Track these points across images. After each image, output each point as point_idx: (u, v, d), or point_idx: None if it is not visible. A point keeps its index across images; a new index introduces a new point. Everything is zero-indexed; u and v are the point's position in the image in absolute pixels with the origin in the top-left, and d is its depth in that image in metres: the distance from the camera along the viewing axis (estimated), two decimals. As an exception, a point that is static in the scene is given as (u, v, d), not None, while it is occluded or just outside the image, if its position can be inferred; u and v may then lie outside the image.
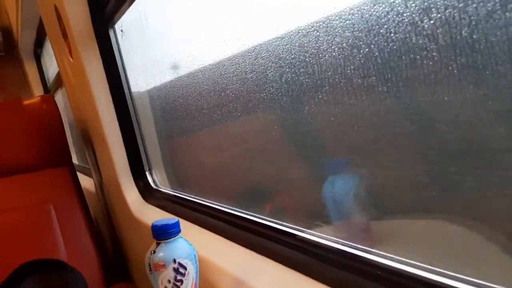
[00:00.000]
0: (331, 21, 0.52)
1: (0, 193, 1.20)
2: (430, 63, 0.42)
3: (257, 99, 0.71)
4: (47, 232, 1.17)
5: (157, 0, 1.01)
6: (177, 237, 0.60)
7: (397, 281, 0.47)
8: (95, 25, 1.12)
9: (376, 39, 0.47)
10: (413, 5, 0.42)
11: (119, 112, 1.18)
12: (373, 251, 0.53)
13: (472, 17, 0.37)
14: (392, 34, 0.45)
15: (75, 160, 2.46)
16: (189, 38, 0.89)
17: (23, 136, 1.26)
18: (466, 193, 0.44)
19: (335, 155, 0.62)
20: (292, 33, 0.59)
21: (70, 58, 1.21)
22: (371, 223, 0.57)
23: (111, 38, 1.14)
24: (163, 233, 0.59)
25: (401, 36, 0.44)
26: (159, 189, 1.19)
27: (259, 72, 0.68)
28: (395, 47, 0.45)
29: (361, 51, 0.49)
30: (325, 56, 0.55)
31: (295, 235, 0.65)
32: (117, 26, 1.13)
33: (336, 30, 0.52)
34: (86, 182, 1.72)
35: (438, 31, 0.41)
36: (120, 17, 1.08)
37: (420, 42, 0.43)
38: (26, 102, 1.31)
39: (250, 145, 0.80)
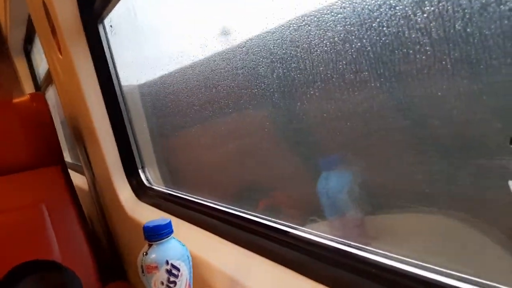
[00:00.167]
0: (323, 15, 0.51)
1: (-9, 194, 1.18)
2: (423, 57, 0.41)
3: (248, 95, 0.70)
4: (40, 232, 1.16)
5: (146, -5, 0.99)
6: (169, 237, 0.59)
7: (391, 279, 0.47)
8: (84, 21, 1.10)
9: (368, 33, 0.46)
10: (405, -2, 0.41)
11: (109, 109, 1.17)
12: (367, 249, 0.52)
13: (466, 10, 0.37)
14: (384, 28, 0.44)
15: (68, 158, 2.44)
16: (178, 33, 0.88)
17: (13, 135, 1.24)
18: (461, 188, 0.44)
19: (328, 151, 0.61)
20: (283, 27, 0.58)
21: (59, 55, 1.19)
22: (366, 218, 0.57)
23: (101, 34, 1.12)
24: (155, 234, 0.58)
25: (394, 30, 0.43)
26: (153, 187, 1.18)
27: (250, 67, 0.67)
28: (387, 41, 0.44)
29: (353, 45, 0.48)
30: (316, 51, 0.53)
31: (289, 232, 0.64)
32: (107, 21, 1.11)
33: (327, 24, 0.51)
34: (79, 180, 1.70)
35: (431, 24, 0.40)
36: (109, 12, 1.06)
37: (413, 36, 0.42)
38: (15, 100, 1.29)
39: (243, 141, 0.79)
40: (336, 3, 0.49)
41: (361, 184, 0.56)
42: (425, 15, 0.40)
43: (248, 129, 0.76)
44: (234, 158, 0.86)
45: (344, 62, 0.50)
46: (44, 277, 0.99)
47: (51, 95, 2.53)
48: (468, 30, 0.37)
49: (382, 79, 0.47)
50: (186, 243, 0.63)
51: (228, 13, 0.70)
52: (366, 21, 0.46)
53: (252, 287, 0.60)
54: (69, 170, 1.34)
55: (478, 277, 0.40)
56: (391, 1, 0.43)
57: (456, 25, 0.38)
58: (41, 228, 1.16)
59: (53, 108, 2.08)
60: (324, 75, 0.54)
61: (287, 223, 0.66)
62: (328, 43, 0.52)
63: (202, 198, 0.93)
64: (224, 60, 0.73)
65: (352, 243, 0.54)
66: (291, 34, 0.57)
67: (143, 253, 0.58)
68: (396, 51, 0.44)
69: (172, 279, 0.57)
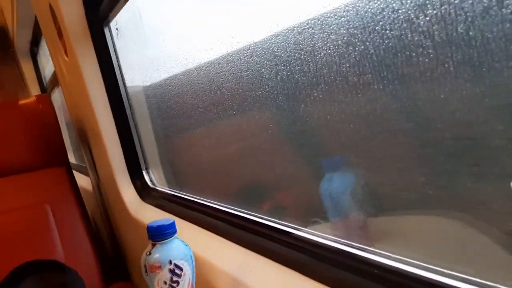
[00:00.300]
0: (326, 18, 0.52)
1: (-4, 194, 1.19)
2: (426, 60, 0.42)
3: (252, 97, 0.70)
4: (44, 232, 1.16)
5: (151, -2, 1.00)
6: (172, 237, 0.59)
7: (394, 280, 0.47)
8: (90, 23, 1.11)
9: (371, 36, 0.47)
10: (408, 1, 0.42)
11: (115, 111, 1.18)
12: (369, 250, 0.52)
13: (468, 14, 0.37)
14: (387, 31, 0.45)
15: (72, 159, 2.45)
16: (184, 36, 0.89)
17: (19, 137, 1.25)
18: (463, 189, 0.44)
19: (331, 153, 0.62)
20: (287, 30, 0.59)
21: (66, 57, 1.21)
22: (369, 219, 0.57)
23: (106, 36, 1.13)
24: (159, 234, 0.58)
25: (397, 33, 0.44)
26: (156, 188, 1.19)
27: (254, 70, 0.67)
28: (390, 44, 0.45)
29: (357, 48, 0.49)
30: (320, 53, 0.54)
31: (292, 233, 0.64)
32: (112, 24, 1.12)
33: (331, 27, 0.51)
34: (84, 181, 1.71)
35: (434, 28, 0.40)
36: (115, 15, 1.07)
37: (416, 39, 0.42)
38: (21, 102, 1.30)
39: (247, 143, 0.80)
40: (340, 7, 0.50)
41: (364, 185, 0.56)
42: (427, 18, 0.40)
43: (252, 131, 0.76)
44: (238, 160, 0.86)
45: (347, 65, 0.51)
46: (44, 278, 1.00)
47: (56, 97, 2.55)
48: (471, 33, 0.37)
49: (385, 82, 0.47)
50: (189, 243, 0.64)
51: (233, 16, 0.71)
52: (369, 24, 0.47)
53: (255, 288, 0.61)
54: (74, 171, 1.35)
55: (480, 278, 0.40)
56: (394, 5, 0.43)
57: (459, 28, 0.38)
58: (45, 228, 1.17)
59: (59, 109, 2.09)
60: (328, 77, 0.54)
61: (290, 224, 0.67)
62: (331, 46, 0.52)
63: (205, 199, 0.93)
64: (228, 63, 0.73)
65: (355, 244, 0.55)
66: (295, 37, 0.58)
67: (147, 253, 0.59)
68: (399, 54, 0.45)
69: (175, 278, 0.57)
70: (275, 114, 0.68)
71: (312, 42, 0.55)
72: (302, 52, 0.57)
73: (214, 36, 0.75)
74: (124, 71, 1.17)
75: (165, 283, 0.57)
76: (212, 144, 0.93)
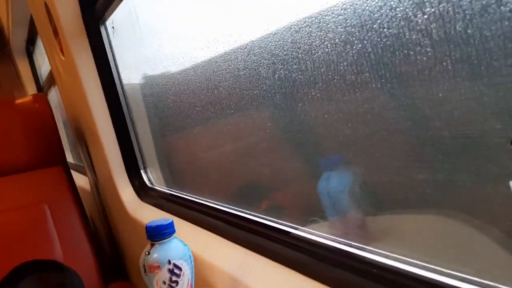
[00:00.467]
0: (324, 17, 0.51)
1: (-6, 194, 1.19)
2: (424, 58, 0.42)
3: (250, 96, 0.70)
4: (42, 232, 1.16)
5: (148, -4, 1.00)
6: (171, 237, 0.59)
7: (393, 279, 0.47)
8: (86, 22, 1.10)
9: (369, 34, 0.46)
10: (406, -1, 0.41)
11: (112, 110, 1.17)
12: (368, 249, 0.52)
13: (466, 12, 0.37)
14: (385, 30, 0.44)
15: (70, 159, 2.45)
16: (180, 35, 0.88)
17: (16, 136, 1.24)
18: (461, 188, 0.44)
19: (329, 152, 0.61)
20: (284, 29, 0.58)
21: (62, 56, 1.20)
22: (367, 218, 0.57)
23: (103, 35, 1.13)
24: (157, 234, 0.58)
25: (395, 31, 0.44)
26: (155, 187, 1.19)
27: (251, 69, 0.67)
28: (388, 42, 0.45)
29: (354, 47, 0.49)
30: (318, 52, 0.54)
31: (291, 233, 0.64)
32: (108, 23, 1.12)
33: (328, 25, 0.51)
34: (81, 181, 1.71)
35: (432, 26, 0.40)
36: (111, 14, 1.06)
37: (414, 37, 0.42)
38: (18, 101, 1.29)
39: (244, 142, 0.79)
40: (337, 5, 0.49)
41: (362, 184, 0.56)
42: (425, 16, 0.40)
43: (249, 130, 0.76)
44: (236, 159, 0.86)
45: (345, 64, 0.51)
46: (43, 277, 1.00)
47: (53, 96, 2.53)
48: (469, 31, 0.37)
49: (383, 80, 0.47)
50: (188, 243, 0.63)
51: (230, 15, 0.71)
52: (367, 22, 0.46)
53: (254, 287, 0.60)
54: (71, 171, 1.35)
55: (479, 277, 0.40)
56: (392, 3, 0.43)
57: (457, 26, 0.38)
58: (44, 228, 1.16)
59: (56, 109, 2.09)
60: (325, 76, 0.54)
61: (289, 224, 0.66)
62: (329, 45, 0.52)
63: (203, 199, 0.93)
64: (225, 62, 0.73)
65: (353, 243, 0.55)
66: (292, 35, 0.57)
67: (146, 253, 0.58)
68: (396, 52, 0.44)
69: (174, 278, 0.57)
70: (272, 113, 0.68)
71: (310, 41, 0.54)
72: (300, 51, 0.57)
73: (211, 34, 0.75)
74: (120, 69, 1.16)
75: (164, 283, 0.57)
76: (210, 143, 0.93)
